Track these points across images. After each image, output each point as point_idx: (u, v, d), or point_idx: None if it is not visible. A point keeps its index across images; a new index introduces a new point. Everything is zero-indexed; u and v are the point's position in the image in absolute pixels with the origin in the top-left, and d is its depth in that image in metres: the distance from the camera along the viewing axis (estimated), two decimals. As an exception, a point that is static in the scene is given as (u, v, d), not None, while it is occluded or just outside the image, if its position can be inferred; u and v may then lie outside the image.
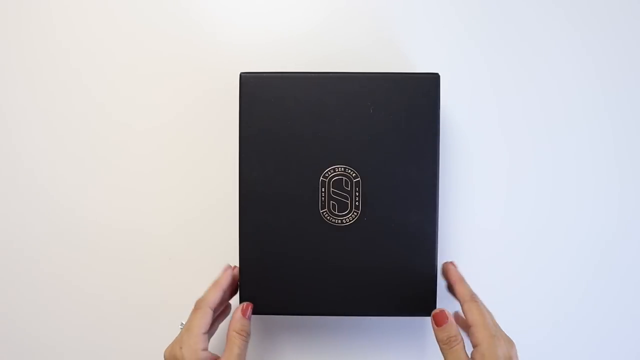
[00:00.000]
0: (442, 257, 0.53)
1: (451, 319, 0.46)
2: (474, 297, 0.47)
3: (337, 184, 0.49)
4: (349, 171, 0.49)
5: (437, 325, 0.46)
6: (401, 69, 0.56)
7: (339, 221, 0.50)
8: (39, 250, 0.57)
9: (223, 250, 0.56)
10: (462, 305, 0.47)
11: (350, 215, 0.50)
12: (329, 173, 0.49)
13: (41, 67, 0.57)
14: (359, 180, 0.49)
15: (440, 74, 0.49)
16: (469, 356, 0.44)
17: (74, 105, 0.57)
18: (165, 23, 0.57)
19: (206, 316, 0.47)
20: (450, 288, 0.51)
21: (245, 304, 0.49)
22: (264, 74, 0.50)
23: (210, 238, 0.57)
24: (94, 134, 0.57)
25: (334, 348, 0.57)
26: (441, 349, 0.46)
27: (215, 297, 0.48)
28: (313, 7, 0.57)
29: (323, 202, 0.49)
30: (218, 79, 0.56)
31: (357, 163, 0.49)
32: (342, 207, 0.49)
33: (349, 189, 0.49)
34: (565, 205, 0.57)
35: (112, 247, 0.57)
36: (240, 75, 0.49)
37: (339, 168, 0.49)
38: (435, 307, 0.49)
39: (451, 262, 0.52)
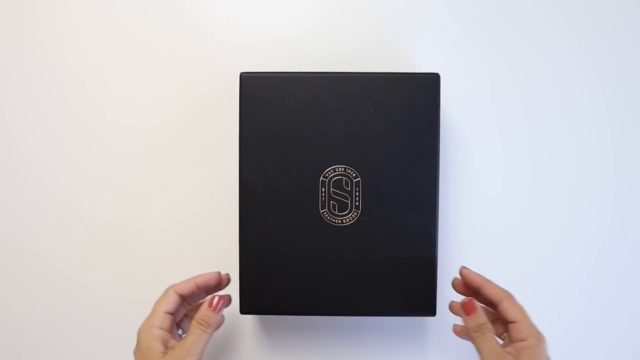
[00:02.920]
0: (442, 257, 0.52)
1: (479, 307, 0.46)
2: (510, 294, 0.47)
3: (337, 184, 0.49)
4: (349, 171, 0.49)
5: (467, 314, 0.46)
6: (401, 69, 0.56)
7: (339, 221, 0.50)
8: (39, 248, 0.57)
9: (223, 250, 0.56)
10: (499, 304, 0.46)
11: (350, 215, 0.49)
12: (329, 173, 0.49)
13: (42, 66, 0.57)
14: (359, 180, 0.49)
15: (440, 74, 0.49)
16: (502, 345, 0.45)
17: (75, 104, 0.57)
18: (165, 23, 0.57)
19: (169, 297, 0.47)
20: (475, 292, 0.48)
21: (217, 297, 0.48)
22: (264, 74, 0.50)
23: (210, 238, 0.57)
24: (95, 133, 0.57)
25: (333, 348, 0.57)
26: (472, 338, 0.45)
27: (184, 285, 0.48)
28: (313, 6, 0.57)
29: (323, 202, 0.49)
30: (218, 79, 0.56)
31: (357, 163, 0.49)
32: (342, 207, 0.49)
33: (349, 189, 0.49)
34: (564, 204, 0.57)
35: (113, 247, 0.57)
36: (240, 75, 0.49)
37: (339, 168, 0.49)
38: (435, 307, 0.50)
39: (464, 267, 0.49)
